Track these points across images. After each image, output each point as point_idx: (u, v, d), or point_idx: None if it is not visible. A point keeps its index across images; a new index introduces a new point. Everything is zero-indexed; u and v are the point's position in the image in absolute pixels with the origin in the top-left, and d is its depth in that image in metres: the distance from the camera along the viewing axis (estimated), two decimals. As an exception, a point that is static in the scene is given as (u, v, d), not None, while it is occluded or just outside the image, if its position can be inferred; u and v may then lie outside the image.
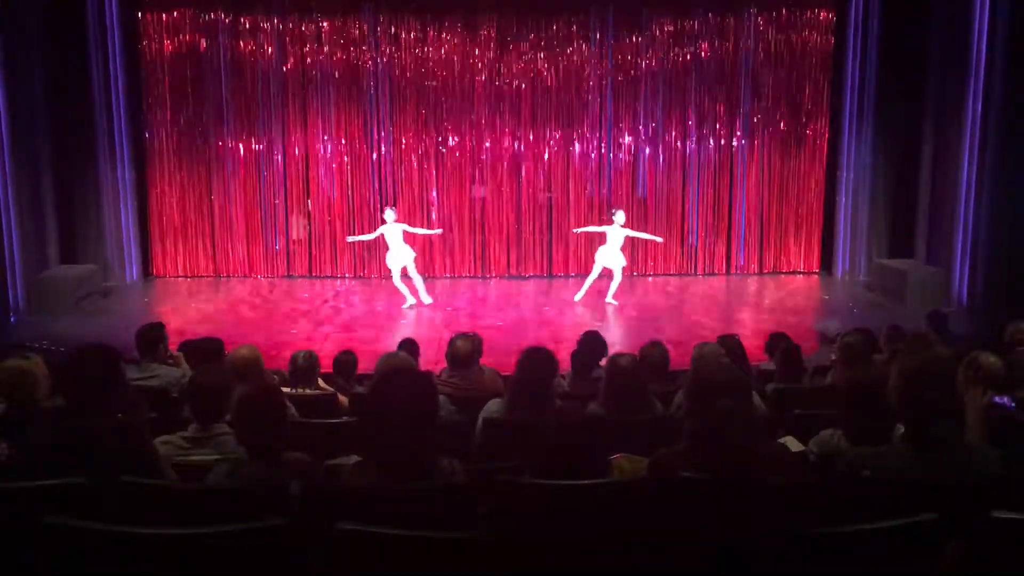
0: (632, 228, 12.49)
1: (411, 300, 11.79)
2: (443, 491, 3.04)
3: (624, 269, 12.02)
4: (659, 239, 12.95)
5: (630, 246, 13.97)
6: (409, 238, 11.93)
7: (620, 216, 11.92)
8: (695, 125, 13.92)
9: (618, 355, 5.04)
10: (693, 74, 13.81)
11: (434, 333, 10.15)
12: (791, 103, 13.87)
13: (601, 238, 12.06)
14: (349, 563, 2.58)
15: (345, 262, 13.92)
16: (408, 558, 2.56)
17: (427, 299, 11.91)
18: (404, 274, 11.77)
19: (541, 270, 14.07)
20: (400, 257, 11.71)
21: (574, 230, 13.33)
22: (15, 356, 4.72)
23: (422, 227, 12.96)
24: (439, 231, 13.23)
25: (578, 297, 12.02)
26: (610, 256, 11.85)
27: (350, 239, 12.96)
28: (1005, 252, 10.79)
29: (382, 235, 11.75)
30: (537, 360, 4.71)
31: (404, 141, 13.80)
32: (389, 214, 11.76)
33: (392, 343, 8.32)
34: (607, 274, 11.93)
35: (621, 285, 11.92)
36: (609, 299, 11.90)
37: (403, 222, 12.07)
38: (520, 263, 14.08)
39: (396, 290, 11.83)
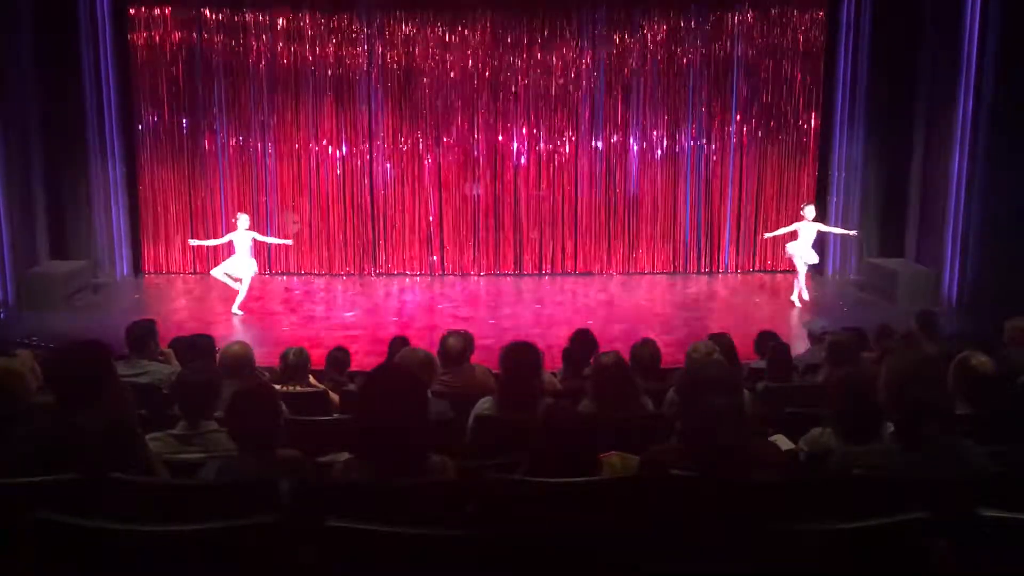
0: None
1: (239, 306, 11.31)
2: (434, 488, 3.05)
3: (810, 268, 12.00)
4: (853, 233, 12.66)
5: (624, 242, 14.06)
6: (257, 250, 11.64)
7: (810, 211, 11.89)
8: (686, 123, 13.92)
9: (603, 354, 5.04)
10: (684, 72, 13.82)
11: (425, 330, 10.13)
12: (782, 102, 13.88)
13: (791, 235, 11.97)
14: (339, 560, 2.58)
15: (336, 260, 13.89)
16: (398, 555, 2.56)
17: (238, 310, 11.30)
18: (235, 279, 11.34)
19: (534, 268, 14.05)
20: (243, 267, 11.26)
21: (765, 235, 12.94)
22: (-1, 355, 4.71)
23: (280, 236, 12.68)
24: (290, 242, 12.94)
25: (795, 298, 11.89)
26: (803, 251, 11.81)
27: (192, 243, 12.45)
28: (995, 251, 10.82)
29: (230, 241, 11.30)
30: (520, 354, 4.69)
31: (396, 139, 13.78)
32: (243, 220, 11.29)
33: (383, 340, 8.30)
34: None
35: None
36: (795, 297, 11.90)
37: (254, 230, 11.63)
38: (513, 261, 14.05)
39: (389, 285, 11.76)
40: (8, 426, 3.56)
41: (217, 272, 11.45)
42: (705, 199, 14.08)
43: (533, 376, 4.67)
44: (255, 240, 11.51)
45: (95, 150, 12.62)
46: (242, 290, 11.37)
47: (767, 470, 3.13)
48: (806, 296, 11.90)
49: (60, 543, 2.58)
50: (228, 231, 11.69)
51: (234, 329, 10.49)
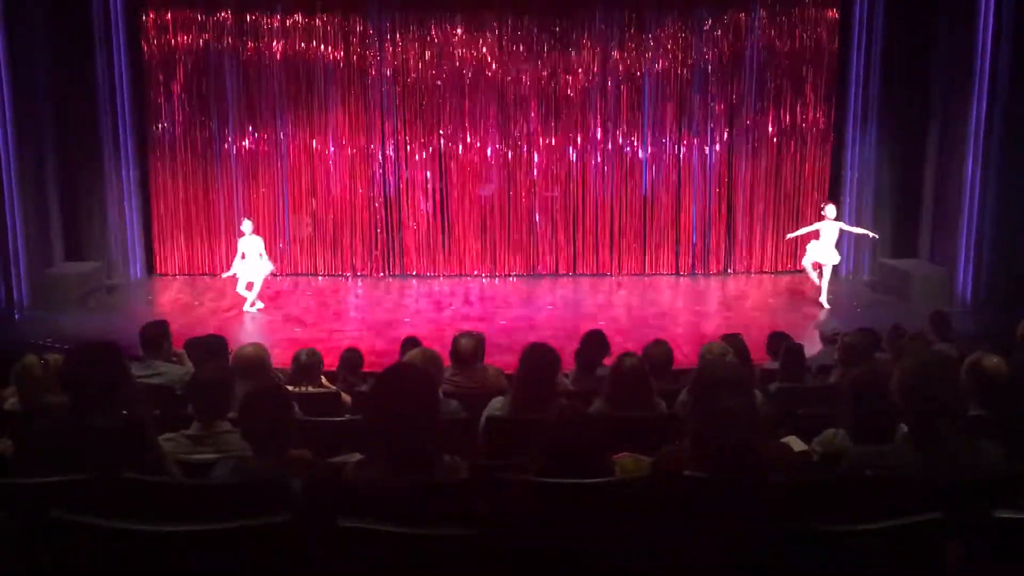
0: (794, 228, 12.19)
1: (255, 303, 11.49)
2: (446, 489, 3.05)
3: (835, 268, 11.75)
4: (874, 235, 12.36)
5: (637, 243, 14.04)
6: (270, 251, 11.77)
7: (831, 210, 11.69)
8: (700, 123, 13.88)
9: (625, 355, 5.04)
10: (698, 72, 13.78)
11: (437, 332, 10.14)
12: (796, 101, 13.82)
13: (814, 235, 11.78)
14: (351, 560, 2.58)
15: (348, 261, 13.91)
16: (410, 555, 2.56)
17: (250, 308, 11.44)
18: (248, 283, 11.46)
19: (545, 269, 14.04)
20: (254, 270, 11.39)
21: (787, 236, 12.87)
22: (33, 354, 4.74)
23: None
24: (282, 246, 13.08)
25: (824, 300, 11.65)
26: (824, 251, 11.58)
27: (226, 275, 12.08)
28: (1009, 251, 10.77)
29: (242, 250, 11.42)
30: (540, 356, 4.70)
31: (409, 139, 13.79)
32: (247, 225, 11.45)
33: (394, 341, 8.31)
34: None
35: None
36: (823, 299, 11.63)
37: (259, 235, 11.79)
38: (524, 262, 14.04)
39: (401, 286, 11.72)
40: (27, 425, 3.59)
41: (230, 274, 11.63)
42: (718, 199, 14.03)
43: (550, 378, 4.68)
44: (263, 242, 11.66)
45: (109, 152, 12.67)
46: (255, 289, 11.44)
47: (780, 471, 3.12)
48: (825, 302, 11.63)
49: (74, 542, 2.59)
50: (238, 238, 11.75)
51: (247, 330, 10.52)
